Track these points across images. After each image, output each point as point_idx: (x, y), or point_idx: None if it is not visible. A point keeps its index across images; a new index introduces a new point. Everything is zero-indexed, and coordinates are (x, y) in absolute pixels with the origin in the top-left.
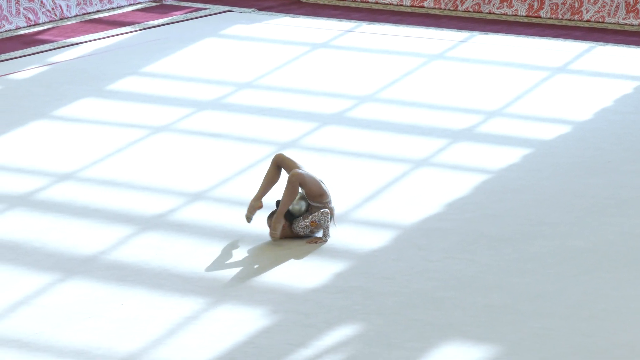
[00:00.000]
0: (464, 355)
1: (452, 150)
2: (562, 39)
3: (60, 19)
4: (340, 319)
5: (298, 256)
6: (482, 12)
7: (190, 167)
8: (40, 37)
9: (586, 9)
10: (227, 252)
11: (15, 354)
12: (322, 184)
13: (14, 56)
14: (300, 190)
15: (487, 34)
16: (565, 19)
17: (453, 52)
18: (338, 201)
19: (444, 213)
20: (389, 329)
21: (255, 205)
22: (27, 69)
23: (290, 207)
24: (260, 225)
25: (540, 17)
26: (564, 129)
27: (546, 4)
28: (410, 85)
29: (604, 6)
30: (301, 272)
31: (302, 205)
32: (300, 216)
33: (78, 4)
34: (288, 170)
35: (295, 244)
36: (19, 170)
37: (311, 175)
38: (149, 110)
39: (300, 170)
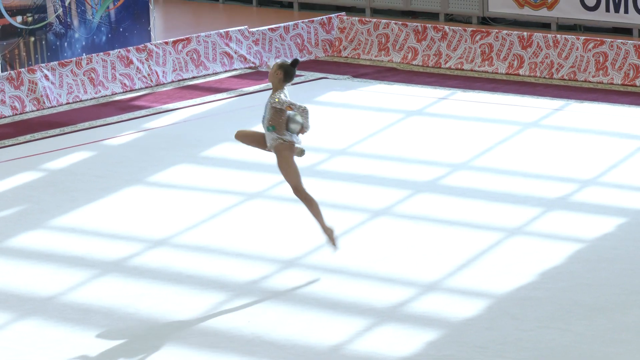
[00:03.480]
0: None
1: (546, 219)
2: None
3: (156, 85)
4: None
5: (390, 324)
6: (577, 80)
7: (284, 234)
8: (136, 102)
9: None
10: (320, 320)
11: None
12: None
13: (110, 122)
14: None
15: (582, 102)
16: None
17: (548, 120)
18: (431, 269)
19: (537, 282)
20: None
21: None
22: (123, 134)
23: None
24: (356, 294)
25: (636, 86)
26: None
27: None
28: (504, 153)
29: None
30: (394, 341)
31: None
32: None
33: (174, 70)
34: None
35: (387, 311)
36: (113, 235)
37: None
38: (244, 177)
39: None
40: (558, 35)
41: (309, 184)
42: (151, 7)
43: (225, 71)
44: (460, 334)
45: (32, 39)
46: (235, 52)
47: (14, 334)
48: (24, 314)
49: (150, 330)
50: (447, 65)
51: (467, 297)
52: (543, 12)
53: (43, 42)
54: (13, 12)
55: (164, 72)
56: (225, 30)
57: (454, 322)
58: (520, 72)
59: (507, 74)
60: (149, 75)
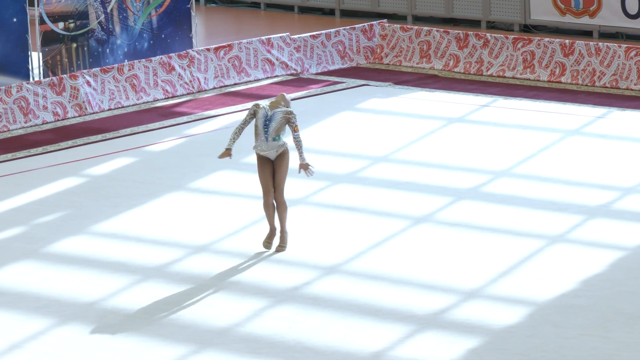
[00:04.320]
0: None
1: (588, 226)
2: None
3: (198, 92)
4: None
5: (431, 331)
6: (619, 88)
7: (325, 240)
8: (178, 109)
9: None
10: (361, 326)
11: None
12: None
13: (151, 128)
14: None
15: (624, 109)
16: None
17: (590, 127)
18: (473, 276)
19: (579, 290)
20: None
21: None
22: (165, 140)
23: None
24: (397, 301)
25: None
26: None
27: None
28: (546, 160)
29: None
30: (435, 347)
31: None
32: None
33: (216, 77)
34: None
35: (429, 318)
36: (155, 241)
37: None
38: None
39: None
40: (600, 43)
41: (350, 191)
42: (193, 13)
43: (267, 78)
44: (502, 341)
45: (74, 45)
46: (277, 59)
47: (56, 339)
48: (66, 319)
49: (191, 335)
50: (489, 72)
51: (509, 304)
52: (585, 20)
53: (85, 49)
54: (55, 18)
55: (205, 78)
56: (266, 37)
57: (496, 330)
58: (562, 79)
59: (548, 81)
60: (190, 81)
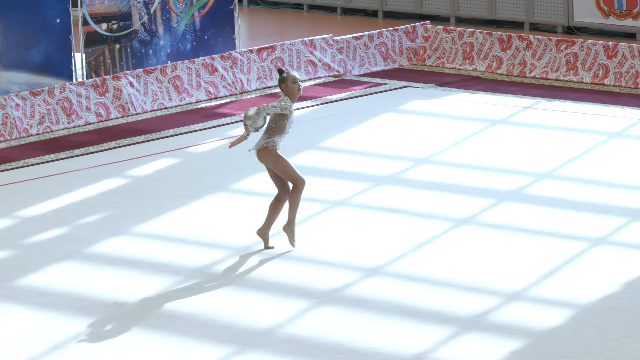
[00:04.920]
0: None
1: (631, 228)
2: None
3: (241, 93)
4: None
5: (474, 333)
6: None
7: (368, 242)
8: (221, 110)
9: None
10: (403, 328)
11: None
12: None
13: (194, 129)
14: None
15: None
16: None
17: (633, 129)
18: (515, 278)
19: (622, 292)
20: None
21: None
22: (208, 141)
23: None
24: (439, 302)
25: None
26: None
27: None
28: (588, 162)
29: None
30: (477, 349)
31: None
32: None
33: (258, 78)
34: None
35: (471, 320)
36: (198, 242)
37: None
38: (327, 185)
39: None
40: None
41: (392, 192)
42: (236, 15)
43: (310, 79)
44: (545, 344)
45: (117, 46)
46: (320, 60)
47: (98, 340)
48: (108, 319)
49: (233, 336)
50: (532, 74)
51: (551, 306)
52: (628, 22)
53: (128, 50)
54: (98, 19)
55: (248, 79)
56: (309, 38)
57: (538, 332)
58: (606, 81)
59: (592, 83)
60: (233, 83)
